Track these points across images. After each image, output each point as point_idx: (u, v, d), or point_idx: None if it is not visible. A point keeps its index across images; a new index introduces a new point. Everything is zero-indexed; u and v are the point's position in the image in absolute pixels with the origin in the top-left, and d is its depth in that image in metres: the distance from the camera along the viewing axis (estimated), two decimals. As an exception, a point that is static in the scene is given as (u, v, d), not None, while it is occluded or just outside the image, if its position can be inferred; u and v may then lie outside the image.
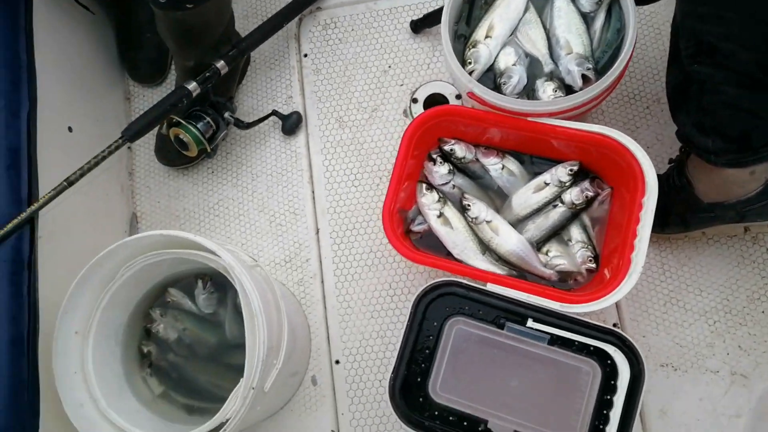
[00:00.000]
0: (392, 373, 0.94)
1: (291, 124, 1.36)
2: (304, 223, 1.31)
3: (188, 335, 1.13)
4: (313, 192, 1.33)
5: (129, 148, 1.44)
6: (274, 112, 1.37)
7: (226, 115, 1.31)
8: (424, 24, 1.37)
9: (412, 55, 1.39)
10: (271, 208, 1.33)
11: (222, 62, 1.23)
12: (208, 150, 1.29)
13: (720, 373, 1.12)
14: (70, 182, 1.06)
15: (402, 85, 1.38)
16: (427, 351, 0.95)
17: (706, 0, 0.84)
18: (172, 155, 1.36)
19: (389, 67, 1.39)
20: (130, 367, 1.10)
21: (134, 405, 1.06)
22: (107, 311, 1.04)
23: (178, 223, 1.37)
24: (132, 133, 1.17)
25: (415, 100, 1.36)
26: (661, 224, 1.11)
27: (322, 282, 1.27)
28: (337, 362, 1.22)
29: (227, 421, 0.90)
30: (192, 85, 1.21)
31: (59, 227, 1.10)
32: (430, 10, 1.38)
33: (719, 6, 0.83)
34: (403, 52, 1.40)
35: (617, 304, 1.17)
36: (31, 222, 1.02)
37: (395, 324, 1.22)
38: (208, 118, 1.27)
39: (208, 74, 1.22)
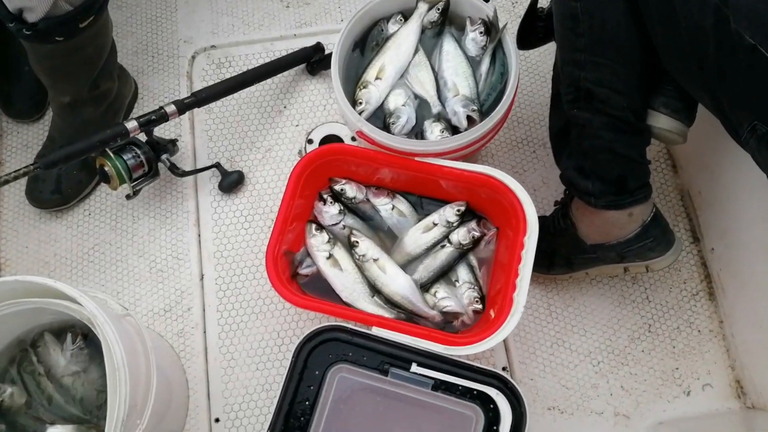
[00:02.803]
0: (269, 429, 0.87)
1: (230, 182, 1.26)
2: (187, 269, 1.22)
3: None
4: (199, 235, 1.25)
5: (-4, 190, 1.31)
6: (217, 165, 1.27)
7: (164, 157, 1.20)
8: (320, 66, 1.36)
9: (308, 96, 1.37)
10: (152, 253, 1.24)
11: (173, 107, 1.14)
12: (131, 192, 1.17)
13: (604, 415, 1.12)
14: None
15: (297, 125, 1.35)
16: (307, 402, 0.89)
17: (582, 47, 0.88)
18: (44, 195, 1.25)
19: (284, 107, 1.36)
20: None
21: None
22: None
23: (47, 271, 1.24)
24: (48, 162, 1.07)
25: (310, 141, 1.33)
26: (547, 265, 1.12)
27: (205, 332, 1.18)
28: (217, 420, 1.12)
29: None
30: (131, 125, 1.11)
31: None
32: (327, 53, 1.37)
33: (594, 53, 0.87)
34: (299, 93, 1.37)
35: (506, 348, 1.15)
36: None
37: (282, 376, 1.10)
38: (142, 158, 1.15)
39: (153, 117, 1.13)
